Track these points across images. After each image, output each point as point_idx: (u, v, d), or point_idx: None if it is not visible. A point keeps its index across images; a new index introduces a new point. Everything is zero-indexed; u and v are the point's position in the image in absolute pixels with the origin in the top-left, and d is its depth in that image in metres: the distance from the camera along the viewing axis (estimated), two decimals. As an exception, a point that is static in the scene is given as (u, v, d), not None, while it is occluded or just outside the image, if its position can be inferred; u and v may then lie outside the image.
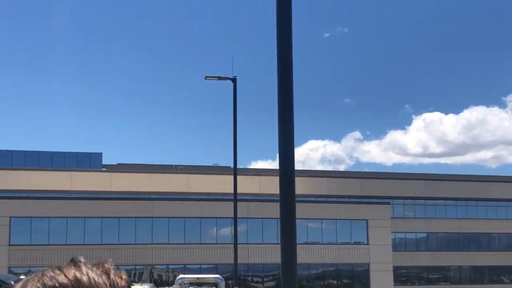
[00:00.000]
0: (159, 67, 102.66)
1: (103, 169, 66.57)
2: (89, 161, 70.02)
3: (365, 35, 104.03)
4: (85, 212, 49.89)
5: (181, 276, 29.46)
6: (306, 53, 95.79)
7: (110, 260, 1.19)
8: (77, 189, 57.07)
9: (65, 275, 1.09)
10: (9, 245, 48.38)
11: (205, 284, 29.67)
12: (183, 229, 52.04)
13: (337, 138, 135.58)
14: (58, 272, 1.11)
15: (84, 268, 1.12)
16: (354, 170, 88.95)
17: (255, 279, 54.17)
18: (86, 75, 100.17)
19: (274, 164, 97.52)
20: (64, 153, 71.90)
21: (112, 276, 1.12)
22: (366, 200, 60.47)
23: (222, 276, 35.81)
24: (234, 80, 29.93)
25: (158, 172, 60.98)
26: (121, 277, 1.15)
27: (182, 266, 50.16)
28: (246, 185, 52.25)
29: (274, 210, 49.57)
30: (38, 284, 1.07)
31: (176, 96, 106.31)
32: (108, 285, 1.09)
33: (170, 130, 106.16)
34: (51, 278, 1.10)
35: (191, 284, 28.40)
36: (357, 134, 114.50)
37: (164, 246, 51.06)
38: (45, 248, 49.03)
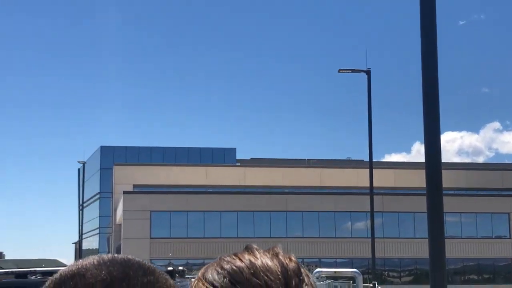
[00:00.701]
0: (290, 62, 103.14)
1: (237, 164, 67.76)
2: (223, 156, 71.51)
3: (503, 21, 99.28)
4: (221, 206, 50.95)
5: (318, 269, 29.28)
6: (441, 43, 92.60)
7: (280, 244, 1.25)
8: (213, 183, 58.40)
9: (241, 260, 1.18)
10: (150, 238, 50.30)
11: (342, 278, 29.38)
12: (318, 223, 51.96)
13: (474, 129, 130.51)
14: (234, 257, 1.20)
15: (257, 253, 1.20)
16: (493, 161, 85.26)
17: (391, 273, 53.22)
18: (226, 73, 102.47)
19: (408, 157, 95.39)
20: (200, 148, 73.91)
21: (281, 258, 1.18)
22: (507, 192, 57.71)
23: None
24: (368, 72, 29.45)
25: (291, 167, 61.24)
26: (290, 259, 1.20)
27: (317, 260, 50.05)
28: (381, 178, 51.34)
29: (410, 203, 48.45)
30: (217, 268, 1.16)
31: (309, 90, 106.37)
32: (279, 266, 1.16)
33: (303, 124, 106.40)
34: (228, 262, 1.19)
35: (328, 277, 28.20)
36: (496, 124, 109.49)
37: (299, 240, 51.18)
38: (184, 241, 50.57)
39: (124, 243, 50.26)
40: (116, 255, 1.02)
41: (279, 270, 1.16)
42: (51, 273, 8.45)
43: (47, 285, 0.99)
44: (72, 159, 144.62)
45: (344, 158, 72.21)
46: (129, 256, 1.03)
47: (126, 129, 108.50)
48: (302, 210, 51.69)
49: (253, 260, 1.19)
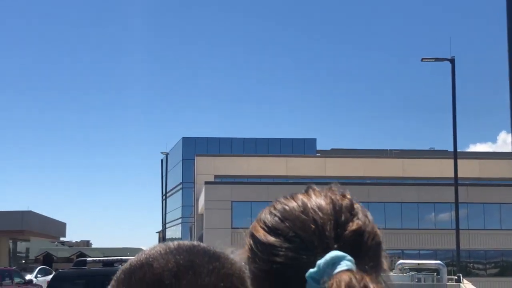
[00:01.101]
0: (372, 51, 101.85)
1: (317, 154, 67.53)
2: (303, 147, 71.43)
3: None
4: (303, 197, 50.84)
5: (401, 261, 28.87)
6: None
7: (337, 183, 1.25)
8: (293, 174, 58.38)
9: (294, 200, 1.24)
10: (232, 228, 50.78)
11: (426, 270, 28.79)
12: (400, 214, 51.16)
13: None
14: (288, 198, 1.26)
15: (312, 193, 1.23)
16: None
17: (476, 266, 51.87)
18: (306, 64, 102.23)
19: (494, 147, 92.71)
20: (280, 139, 74.07)
21: (334, 196, 1.21)
22: None
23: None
24: (452, 61, 28.71)
25: (372, 157, 60.53)
26: (343, 196, 1.23)
27: (400, 251, 49.28)
28: (465, 169, 50.05)
29: (496, 194, 47.08)
30: (271, 209, 1.23)
31: (391, 80, 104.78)
32: (330, 203, 1.19)
33: (385, 114, 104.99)
34: (281, 202, 1.26)
35: (411, 269, 27.73)
36: None
37: (381, 231, 50.43)
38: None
39: (206, 233, 50.96)
40: (181, 241, 1.05)
41: (330, 207, 1.18)
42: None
43: (118, 274, 1.02)
44: (156, 150, 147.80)
45: (427, 148, 70.84)
46: (195, 242, 1.06)
47: (207, 120, 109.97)
48: (384, 201, 50.97)
49: (305, 199, 1.23)
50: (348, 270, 1.04)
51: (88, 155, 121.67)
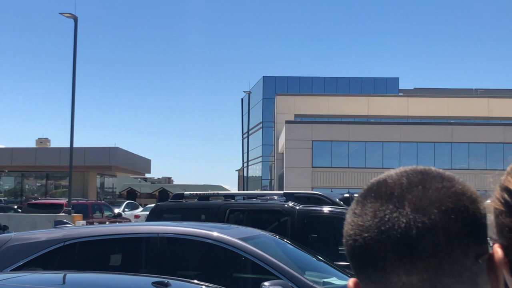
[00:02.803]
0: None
1: (399, 94, 66.41)
2: (385, 86, 70.32)
3: None
4: (383, 136, 50.40)
5: (487, 201, 28.49)
6: None
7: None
8: (374, 114, 57.77)
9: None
10: (312, 167, 50.99)
11: None
12: (485, 155, 50.02)
13: None
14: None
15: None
16: None
17: None
18: (387, 2, 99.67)
19: None
20: (361, 78, 73.08)
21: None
22: None
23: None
24: None
25: (457, 96, 59.04)
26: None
27: (484, 192, 48.40)
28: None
29: None
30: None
31: (476, 15, 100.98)
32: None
33: (469, 52, 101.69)
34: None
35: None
36: None
37: (465, 172, 49.59)
38: (345, 171, 50.80)
39: (286, 172, 51.41)
40: (418, 166, 1.10)
41: None
42: (232, 196, 8.89)
43: (360, 192, 1.10)
44: (237, 90, 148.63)
45: (514, 87, 68.45)
46: (432, 168, 1.09)
47: (288, 59, 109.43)
48: (468, 141, 49.90)
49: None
50: None
51: (172, 95, 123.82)
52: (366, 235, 1.00)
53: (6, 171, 53.38)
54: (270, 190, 63.45)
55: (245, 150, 70.04)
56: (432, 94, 61.14)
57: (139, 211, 40.56)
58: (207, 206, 9.67)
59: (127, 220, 30.55)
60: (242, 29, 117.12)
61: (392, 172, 1.09)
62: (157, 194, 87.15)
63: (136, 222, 28.99)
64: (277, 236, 7.07)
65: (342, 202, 9.09)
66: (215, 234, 6.19)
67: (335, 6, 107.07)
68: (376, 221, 0.99)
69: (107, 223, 25.05)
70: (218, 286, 4.80)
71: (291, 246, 6.88)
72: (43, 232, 6.94)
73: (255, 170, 77.63)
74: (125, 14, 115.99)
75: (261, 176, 75.68)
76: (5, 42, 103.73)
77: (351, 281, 1.06)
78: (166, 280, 4.08)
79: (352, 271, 1.04)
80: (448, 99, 58.23)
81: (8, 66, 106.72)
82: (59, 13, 28.18)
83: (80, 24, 28.81)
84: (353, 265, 1.04)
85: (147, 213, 35.62)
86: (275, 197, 10.56)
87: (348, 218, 1.06)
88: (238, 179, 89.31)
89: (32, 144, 65.78)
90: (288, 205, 9.12)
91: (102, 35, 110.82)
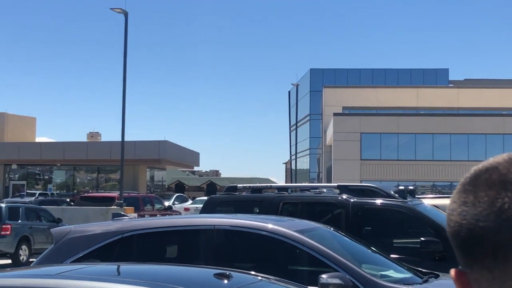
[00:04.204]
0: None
1: (450, 85, 65.44)
2: (435, 77, 69.39)
3: None
4: (433, 128, 49.73)
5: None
6: None
7: None
8: (424, 105, 57.07)
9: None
10: (361, 159, 50.65)
11: None
12: (539, 147, 48.97)
13: None
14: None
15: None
16: None
17: None
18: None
19: None
20: (410, 70, 72.24)
21: None
22: None
23: None
24: None
25: (509, 87, 57.87)
26: None
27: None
28: None
29: None
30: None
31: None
32: None
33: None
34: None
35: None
36: None
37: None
38: (394, 163, 50.31)
39: (334, 164, 51.18)
40: None
41: None
42: (285, 188, 8.89)
43: (462, 180, 1.06)
44: (284, 83, 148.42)
45: None
46: None
47: (335, 51, 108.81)
48: (521, 132, 48.93)
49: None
50: None
51: (220, 88, 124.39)
52: (483, 224, 0.98)
53: (58, 164, 54.45)
54: (318, 182, 63.27)
55: (293, 143, 69.97)
56: (484, 85, 60.06)
57: (188, 204, 40.92)
58: (261, 198, 9.69)
59: (177, 212, 30.83)
60: (290, 22, 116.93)
61: (499, 159, 1.06)
62: (205, 187, 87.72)
63: (186, 214, 29.24)
64: (332, 229, 7.04)
65: (397, 195, 8.97)
66: (271, 226, 6.20)
67: (381, 1, 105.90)
68: (495, 210, 0.98)
69: (158, 215, 25.31)
70: (276, 277, 4.80)
71: (347, 239, 6.84)
72: (101, 225, 7.05)
73: (303, 163, 77.46)
74: (176, 8, 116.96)
75: (309, 169, 75.51)
76: (56, 39, 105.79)
77: (453, 271, 1.04)
78: (228, 272, 4.10)
79: (460, 261, 1.03)
80: (500, 90, 57.14)
81: (59, 63, 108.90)
82: (110, 9, 28.58)
83: (130, 19, 29.15)
84: (464, 255, 1.03)
85: (196, 206, 36.02)
86: (324, 190, 10.46)
87: (456, 207, 1.04)
88: (286, 171, 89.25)
89: (84, 138, 67.06)
90: (342, 197, 9.07)
91: (152, 30, 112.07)
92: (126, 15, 28.65)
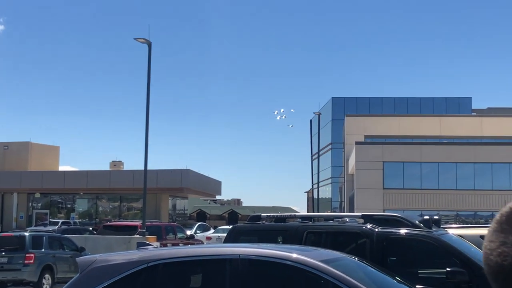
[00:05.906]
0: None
1: (473, 113, 65.06)
2: (458, 106, 69.07)
3: None
4: (456, 157, 49.38)
5: None
6: None
7: None
8: (447, 134, 56.72)
9: None
10: (383, 188, 50.35)
11: None
12: None
13: None
14: None
15: None
16: None
17: None
18: (455, 20, 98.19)
19: None
20: (433, 98, 72.01)
21: None
22: None
23: None
24: None
25: (533, 116, 57.42)
26: None
27: None
28: None
29: None
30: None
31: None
32: None
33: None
34: None
35: None
36: None
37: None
38: (417, 192, 49.92)
39: (357, 193, 50.91)
40: None
41: None
42: (309, 218, 8.83)
43: (497, 217, 1.06)
44: (306, 112, 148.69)
45: None
46: None
47: (356, 80, 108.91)
48: (546, 162, 48.38)
49: None
50: None
51: (241, 118, 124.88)
52: None
53: (81, 193, 54.74)
54: (340, 211, 62.87)
55: (315, 172, 69.73)
56: (507, 113, 59.63)
57: (210, 233, 40.84)
58: (284, 228, 9.66)
59: (200, 242, 30.78)
60: (311, 51, 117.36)
61: None
62: (227, 215, 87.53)
63: (207, 244, 29.17)
64: (357, 259, 6.99)
65: (422, 225, 8.90)
66: (296, 256, 6.17)
67: (405, 26, 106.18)
68: None
69: (180, 245, 25.28)
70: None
71: (372, 269, 6.79)
72: (126, 254, 7.06)
73: (325, 192, 77.13)
74: (198, 38, 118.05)
75: (331, 198, 75.13)
76: (79, 69, 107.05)
77: None
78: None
79: None
80: (524, 118, 56.73)
81: (82, 91, 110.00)
82: (134, 39, 28.90)
83: (153, 48, 29.44)
84: None
85: (218, 235, 35.89)
86: (347, 219, 10.46)
87: (495, 247, 1.03)
88: (307, 200, 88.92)
89: (106, 167, 67.26)
90: (366, 227, 9.02)
91: (173, 59, 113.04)
92: (149, 45, 28.96)
